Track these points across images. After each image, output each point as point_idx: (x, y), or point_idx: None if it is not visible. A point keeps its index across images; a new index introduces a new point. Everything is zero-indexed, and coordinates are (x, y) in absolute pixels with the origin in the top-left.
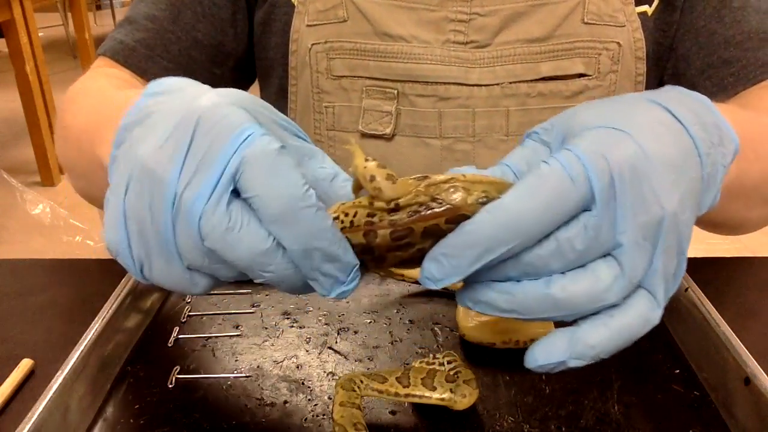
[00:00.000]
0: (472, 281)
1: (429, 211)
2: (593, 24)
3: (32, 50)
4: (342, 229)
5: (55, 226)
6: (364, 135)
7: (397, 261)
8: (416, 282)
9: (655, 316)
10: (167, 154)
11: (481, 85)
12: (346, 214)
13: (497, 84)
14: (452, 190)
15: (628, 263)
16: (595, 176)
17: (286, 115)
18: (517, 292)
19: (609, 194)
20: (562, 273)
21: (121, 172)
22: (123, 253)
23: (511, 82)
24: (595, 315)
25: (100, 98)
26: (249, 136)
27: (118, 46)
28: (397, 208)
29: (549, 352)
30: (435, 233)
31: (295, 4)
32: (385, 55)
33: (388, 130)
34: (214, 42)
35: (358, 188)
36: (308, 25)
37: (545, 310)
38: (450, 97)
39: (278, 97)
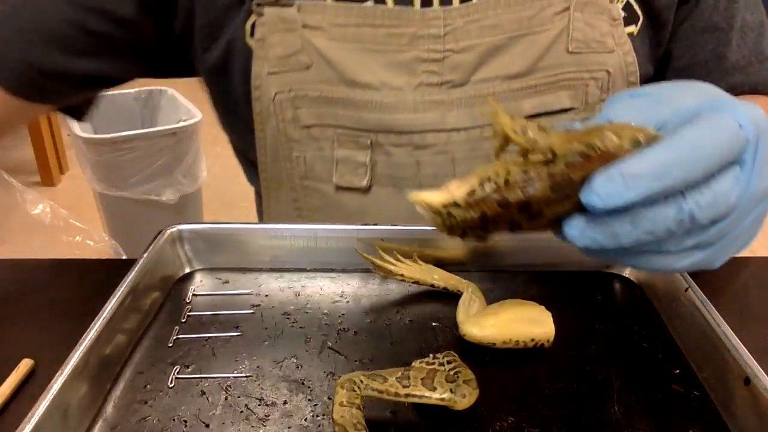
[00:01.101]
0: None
1: (587, 159)
2: (578, 53)
3: None
4: (496, 189)
5: (55, 226)
6: (339, 188)
7: (553, 216)
8: (416, 282)
9: None
10: None
11: (459, 129)
12: (497, 174)
13: (476, 127)
14: (606, 136)
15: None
16: (750, 129)
17: (256, 160)
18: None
19: (755, 149)
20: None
21: None
22: None
23: (491, 124)
24: None
25: None
26: None
27: None
28: (552, 160)
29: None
30: None
31: (252, 48)
32: (355, 104)
33: (364, 183)
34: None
35: (500, 149)
36: (269, 73)
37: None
38: (427, 145)
39: (248, 135)
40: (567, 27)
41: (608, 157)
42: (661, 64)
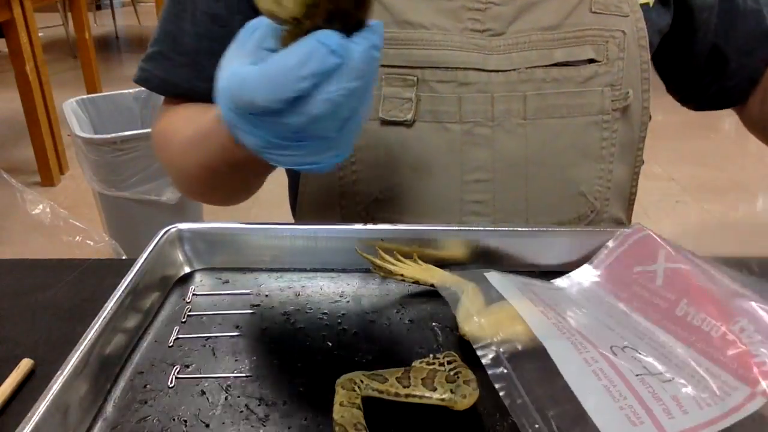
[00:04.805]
0: None
1: None
2: (600, 13)
3: (32, 50)
4: None
5: (55, 226)
6: (384, 122)
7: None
8: (416, 282)
9: None
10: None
11: (498, 71)
12: None
13: (514, 69)
14: None
15: None
16: None
17: None
18: None
19: None
20: None
21: None
22: None
23: (527, 68)
24: None
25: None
26: None
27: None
28: None
29: None
30: None
31: None
32: (405, 42)
33: (408, 117)
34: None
35: None
36: None
37: None
38: (469, 83)
39: None
40: None
41: None
42: (675, 40)
